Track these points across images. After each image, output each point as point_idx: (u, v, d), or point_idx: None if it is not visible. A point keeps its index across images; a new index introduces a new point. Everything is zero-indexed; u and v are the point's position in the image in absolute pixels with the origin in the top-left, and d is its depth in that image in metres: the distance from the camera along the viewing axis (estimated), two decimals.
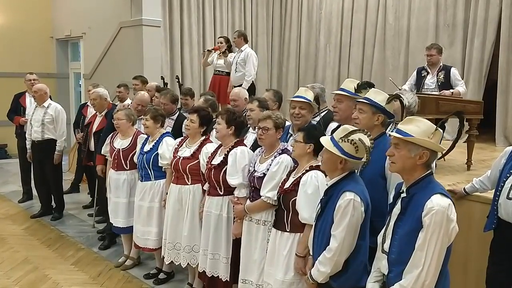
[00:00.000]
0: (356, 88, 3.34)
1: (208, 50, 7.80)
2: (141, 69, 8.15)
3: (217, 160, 3.83)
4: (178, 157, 4.19)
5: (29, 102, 7.15)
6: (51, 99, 6.69)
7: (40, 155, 6.51)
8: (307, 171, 3.12)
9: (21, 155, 7.14)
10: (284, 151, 3.47)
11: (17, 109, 7.22)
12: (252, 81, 7.18)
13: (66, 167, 7.33)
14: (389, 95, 3.07)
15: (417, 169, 2.40)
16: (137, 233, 4.63)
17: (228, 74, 7.42)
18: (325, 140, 2.76)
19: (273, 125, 3.46)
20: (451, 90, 5.52)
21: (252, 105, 4.25)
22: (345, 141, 2.66)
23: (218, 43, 7.57)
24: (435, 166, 5.11)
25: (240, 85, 6.84)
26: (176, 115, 5.29)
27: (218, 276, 3.83)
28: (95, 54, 9.65)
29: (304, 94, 3.77)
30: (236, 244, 3.69)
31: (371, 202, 2.73)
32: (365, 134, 2.68)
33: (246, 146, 3.86)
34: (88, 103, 7.11)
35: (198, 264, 4.06)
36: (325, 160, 2.78)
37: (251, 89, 7.00)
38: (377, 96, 3.04)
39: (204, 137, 4.22)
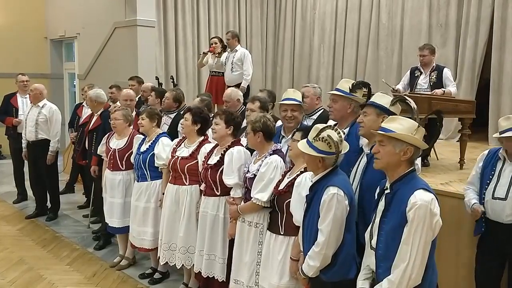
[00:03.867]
0: (350, 88, 3.36)
1: (204, 53, 7.83)
2: (136, 70, 8.16)
3: (213, 160, 3.84)
4: (176, 157, 4.19)
5: (21, 102, 7.13)
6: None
7: (34, 155, 6.51)
8: (301, 172, 3.15)
9: (14, 156, 7.12)
10: (276, 151, 3.49)
11: (8, 110, 7.17)
12: None
13: (61, 167, 7.31)
14: (393, 96, 3.08)
15: (401, 165, 2.47)
16: (133, 233, 4.64)
17: (223, 74, 7.45)
18: (301, 144, 2.85)
19: (250, 128, 3.51)
20: (443, 89, 5.55)
21: (253, 106, 4.26)
22: (317, 140, 2.76)
23: (212, 43, 7.60)
24: (429, 165, 5.20)
25: (238, 85, 6.89)
26: (175, 114, 5.32)
27: (214, 276, 3.83)
28: (90, 55, 9.64)
29: (294, 95, 3.80)
30: (232, 244, 3.69)
31: (368, 207, 2.77)
32: (332, 129, 2.78)
33: (243, 146, 3.86)
34: (83, 103, 7.13)
35: (193, 265, 4.07)
36: (307, 162, 2.88)
37: (246, 89, 7.04)
38: (382, 99, 3.04)
39: (203, 137, 4.22)
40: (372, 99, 3.09)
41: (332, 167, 2.81)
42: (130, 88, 6.52)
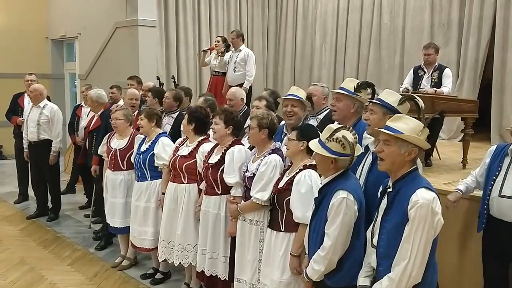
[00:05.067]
0: (355, 87, 3.34)
1: (203, 51, 7.84)
2: (137, 70, 8.14)
3: (214, 159, 3.83)
4: (176, 155, 4.21)
5: (27, 102, 7.14)
6: (49, 100, 6.68)
7: (36, 155, 6.49)
8: (300, 170, 3.13)
9: (18, 156, 7.11)
10: (275, 150, 3.48)
11: (15, 109, 7.21)
12: None
13: (62, 168, 7.30)
14: (401, 95, 3.04)
15: (404, 165, 2.47)
16: (133, 233, 4.64)
17: (225, 74, 7.44)
18: (313, 143, 2.81)
19: (256, 124, 3.48)
20: (435, 89, 5.53)
21: (259, 103, 4.26)
22: (331, 140, 2.70)
23: (215, 42, 7.59)
24: (431, 165, 5.18)
25: (240, 85, 6.89)
26: (177, 113, 5.31)
27: (217, 275, 3.83)
28: (91, 55, 9.63)
29: (296, 92, 3.82)
30: (234, 242, 3.69)
31: (373, 205, 2.74)
32: (347, 130, 2.73)
33: (243, 145, 3.85)
34: (82, 104, 7.12)
35: (190, 263, 4.09)
36: (318, 162, 2.82)
37: (248, 90, 7.04)
38: (389, 97, 3.00)
39: (203, 137, 4.21)
40: (380, 96, 3.05)
41: (343, 170, 2.76)
42: (130, 88, 6.53)
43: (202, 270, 3.90)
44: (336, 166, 2.74)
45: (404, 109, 2.97)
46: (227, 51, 7.40)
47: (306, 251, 2.93)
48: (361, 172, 3.04)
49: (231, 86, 6.51)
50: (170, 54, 9.17)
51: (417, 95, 4.73)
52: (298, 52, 10.43)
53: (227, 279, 3.78)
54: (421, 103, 2.88)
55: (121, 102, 6.18)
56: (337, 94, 3.42)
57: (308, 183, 3.05)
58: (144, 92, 6.27)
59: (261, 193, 3.34)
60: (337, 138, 2.69)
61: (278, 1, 10.73)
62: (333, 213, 2.65)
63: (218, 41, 7.52)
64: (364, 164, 3.04)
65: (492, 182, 3.28)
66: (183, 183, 4.16)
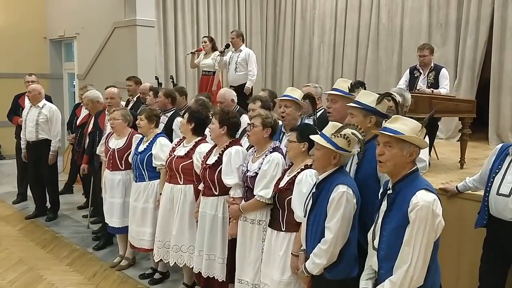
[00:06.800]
0: (349, 88, 3.35)
1: (191, 53, 7.88)
2: (135, 70, 8.14)
3: (211, 160, 3.83)
4: (173, 156, 4.21)
5: (27, 102, 7.15)
6: (51, 101, 6.67)
7: (34, 155, 6.49)
8: (302, 170, 3.15)
9: (18, 156, 7.12)
10: (276, 149, 3.50)
11: (16, 109, 7.22)
12: None
13: (60, 168, 7.30)
14: (378, 94, 3.05)
15: (406, 166, 2.47)
16: (132, 234, 4.64)
17: (214, 73, 7.48)
18: (317, 138, 2.82)
19: (260, 122, 3.50)
20: (432, 89, 5.54)
21: (254, 105, 4.28)
22: (338, 136, 2.73)
23: (202, 43, 7.63)
24: (429, 165, 5.18)
25: (241, 85, 6.96)
26: (171, 113, 5.31)
27: (214, 276, 3.82)
28: (89, 55, 9.62)
29: (291, 93, 3.84)
30: (232, 243, 3.70)
31: (363, 204, 2.79)
32: (355, 128, 2.75)
33: (241, 145, 3.85)
34: (81, 103, 7.12)
35: (184, 264, 4.11)
36: (319, 157, 2.83)
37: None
38: (367, 97, 3.01)
39: (200, 137, 4.22)
40: (357, 98, 3.05)
41: (339, 166, 2.81)
42: (128, 89, 6.53)
43: (200, 272, 3.90)
44: (337, 162, 2.79)
45: (383, 108, 2.99)
46: (214, 51, 7.42)
47: (304, 246, 2.95)
48: (349, 171, 3.05)
49: (231, 86, 6.55)
50: (168, 54, 9.18)
51: (415, 95, 4.78)
52: (297, 52, 10.44)
53: (224, 280, 3.78)
54: (398, 98, 2.89)
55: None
56: (333, 96, 3.43)
57: (309, 182, 3.05)
58: (142, 94, 6.27)
59: (265, 191, 3.35)
60: (344, 135, 2.73)
61: (276, 1, 10.74)
62: (333, 206, 2.69)
63: (205, 42, 7.58)
64: (351, 163, 3.05)
65: (492, 180, 3.29)
66: (179, 183, 4.16)
